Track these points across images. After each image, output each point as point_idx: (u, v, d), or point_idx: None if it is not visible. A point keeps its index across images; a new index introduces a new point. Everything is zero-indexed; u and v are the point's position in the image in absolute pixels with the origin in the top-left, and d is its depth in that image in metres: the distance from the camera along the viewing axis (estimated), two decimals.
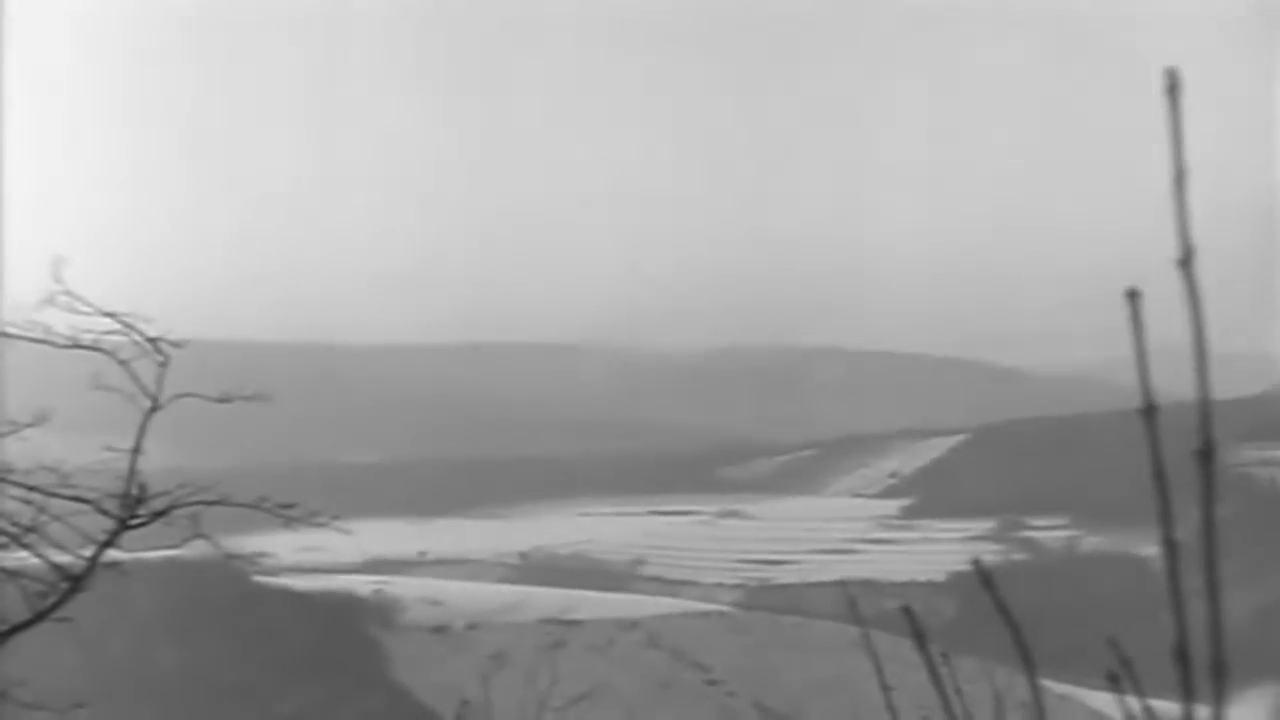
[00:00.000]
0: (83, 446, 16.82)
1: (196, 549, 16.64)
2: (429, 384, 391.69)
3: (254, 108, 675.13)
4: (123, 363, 16.08)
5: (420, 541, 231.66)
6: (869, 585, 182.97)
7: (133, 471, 15.66)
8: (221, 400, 17.30)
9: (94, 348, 16.05)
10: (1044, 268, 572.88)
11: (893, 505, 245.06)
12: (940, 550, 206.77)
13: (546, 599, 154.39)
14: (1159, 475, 3.59)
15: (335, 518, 18.14)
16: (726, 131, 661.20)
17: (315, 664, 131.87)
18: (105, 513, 15.51)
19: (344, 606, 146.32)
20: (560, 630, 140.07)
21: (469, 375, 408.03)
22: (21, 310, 16.14)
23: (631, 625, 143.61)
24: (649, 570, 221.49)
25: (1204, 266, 3.38)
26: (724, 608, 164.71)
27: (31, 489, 15.49)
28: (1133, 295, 3.47)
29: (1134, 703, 4.29)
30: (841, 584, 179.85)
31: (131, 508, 15.58)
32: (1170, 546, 3.58)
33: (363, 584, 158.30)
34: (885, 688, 6.26)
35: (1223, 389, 3.62)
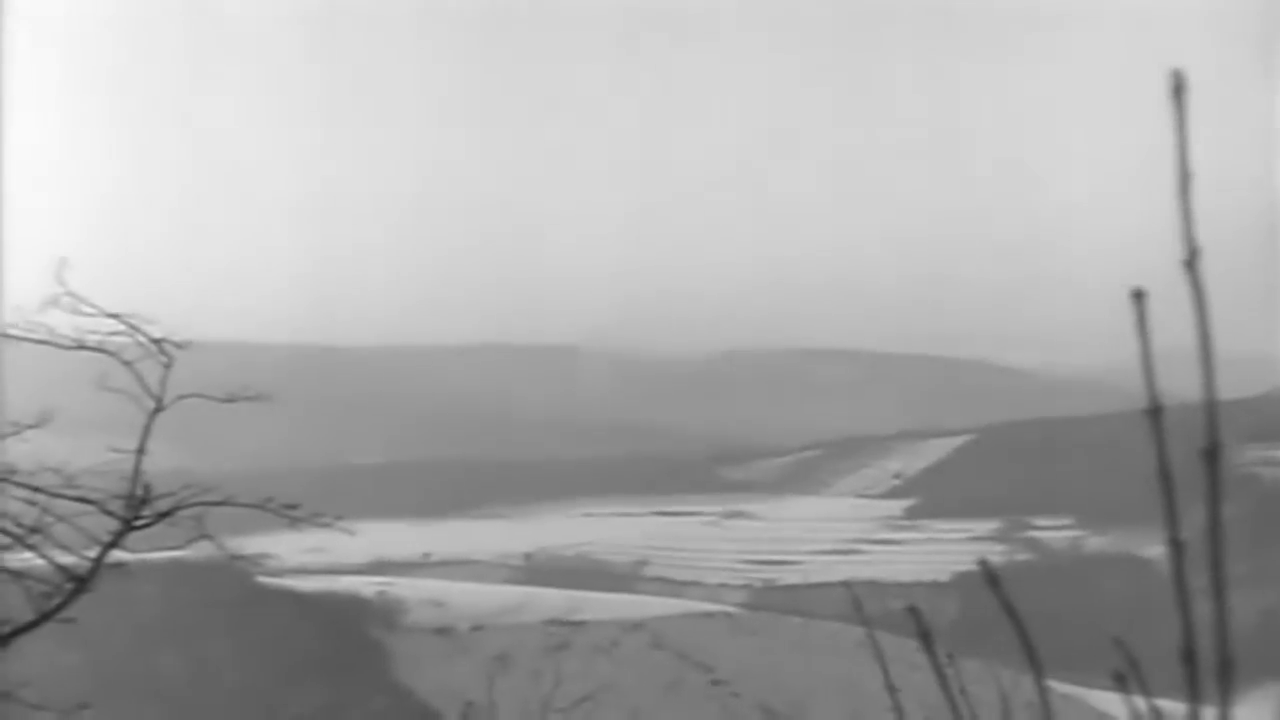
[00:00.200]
0: (87, 448, 16.83)
1: (201, 550, 16.65)
2: (433, 386, 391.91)
3: (258, 109, 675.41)
4: (127, 364, 16.09)
5: (424, 543, 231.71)
6: (873, 586, 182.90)
7: (137, 472, 15.66)
8: (226, 401, 17.31)
9: (98, 349, 16.05)
10: (1049, 268, 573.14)
11: (897, 506, 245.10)
12: (944, 551, 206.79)
13: (550, 600, 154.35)
14: (1164, 476, 3.59)
15: (339, 519, 18.14)
16: (728, 133, 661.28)
17: (319, 665, 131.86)
18: (110, 514, 15.51)
19: (348, 608, 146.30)
20: (564, 631, 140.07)
21: (473, 377, 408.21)
22: (25, 311, 16.15)
23: (636, 626, 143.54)
24: (653, 571, 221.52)
25: (1209, 267, 3.38)
26: (728, 608, 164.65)
27: (36, 490, 15.50)
28: (1138, 296, 3.47)
29: (1140, 703, 4.29)
30: (846, 584, 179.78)
31: (136, 509, 15.58)
32: (1176, 546, 3.58)
33: (366, 585, 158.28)
34: (890, 688, 6.26)
35: (1228, 389, 3.62)
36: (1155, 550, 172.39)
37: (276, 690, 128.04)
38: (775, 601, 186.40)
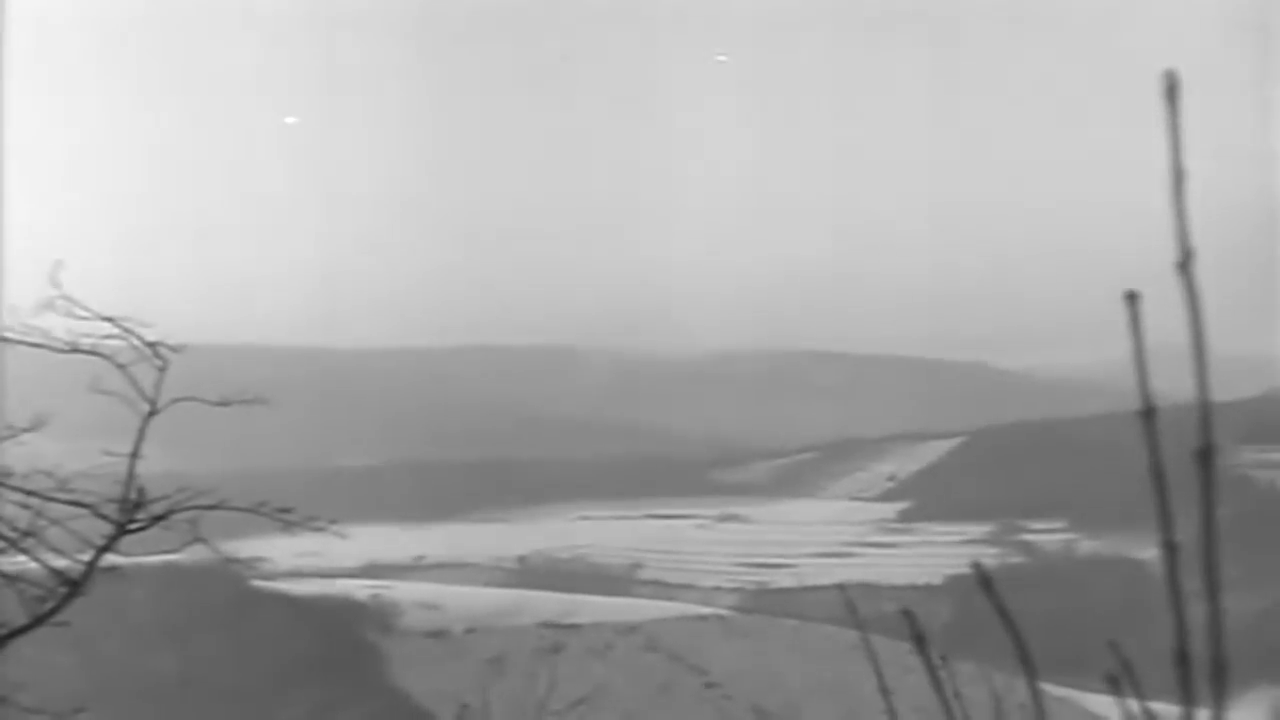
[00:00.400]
0: (81, 451, 16.81)
1: (195, 553, 16.63)
2: (427, 388, 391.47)
3: (255, 110, 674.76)
4: (121, 367, 16.08)
5: (418, 545, 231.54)
6: (867, 588, 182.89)
7: (131, 476, 15.65)
8: (220, 404, 17.32)
9: (92, 352, 16.05)
10: (1042, 270, 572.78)
11: (890, 508, 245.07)
12: (938, 553, 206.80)
13: (545, 603, 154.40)
14: (1158, 477, 3.59)
15: (333, 522, 18.13)
16: (724, 134, 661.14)
17: (313, 669, 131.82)
18: (103, 517, 15.50)
19: (342, 611, 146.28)
20: (558, 634, 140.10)
21: (466, 378, 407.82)
22: (19, 314, 16.14)
23: (630, 629, 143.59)
24: (647, 574, 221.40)
25: (1203, 268, 3.38)
26: (722, 611, 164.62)
27: (29, 493, 15.49)
28: (1131, 297, 3.47)
29: (1133, 705, 4.29)
30: (840, 587, 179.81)
31: (130, 512, 15.57)
32: (1170, 549, 3.58)
33: (361, 588, 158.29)
34: (884, 691, 6.26)
35: (1221, 391, 3.62)
36: (1149, 552, 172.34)
37: (271, 693, 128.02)
38: (769, 604, 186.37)
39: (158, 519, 15.76)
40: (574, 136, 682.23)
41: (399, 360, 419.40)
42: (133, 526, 15.65)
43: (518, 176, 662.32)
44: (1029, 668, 4.23)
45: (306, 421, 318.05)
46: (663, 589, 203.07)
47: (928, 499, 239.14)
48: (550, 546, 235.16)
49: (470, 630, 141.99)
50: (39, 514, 15.46)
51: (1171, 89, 3.34)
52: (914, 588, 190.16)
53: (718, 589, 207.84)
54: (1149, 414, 3.60)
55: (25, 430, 16.18)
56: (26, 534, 15.40)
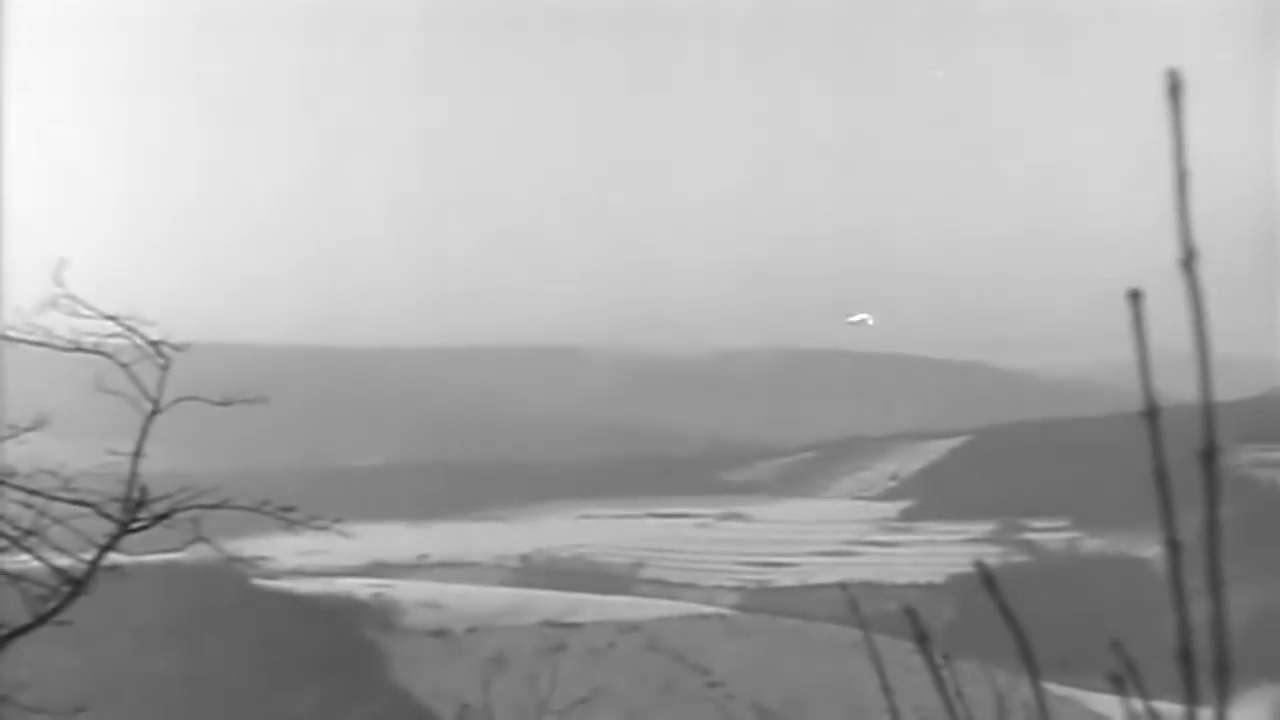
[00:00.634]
0: (84, 450, 16.82)
1: (197, 552, 16.64)
2: (429, 387, 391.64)
3: (255, 110, 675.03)
4: (124, 366, 16.09)
5: (420, 544, 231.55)
6: (869, 587, 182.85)
7: (134, 475, 15.66)
8: (222, 403, 17.33)
9: (95, 351, 16.06)
10: (1045, 269, 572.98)
11: (892, 507, 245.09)
12: (940, 552, 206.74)
13: (547, 602, 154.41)
14: (1161, 477, 3.59)
15: (336, 521, 18.14)
16: (729, 133, 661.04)
17: (315, 667, 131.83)
18: (106, 516, 15.51)
19: (344, 609, 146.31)
20: (560, 633, 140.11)
21: (469, 378, 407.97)
22: (23, 314, 16.15)
23: (632, 628, 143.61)
24: (649, 573, 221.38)
25: (1206, 268, 3.38)
26: (724, 610, 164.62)
27: (33, 492, 15.49)
28: (1134, 297, 3.48)
29: (1137, 704, 4.30)
30: (842, 586, 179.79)
31: (132, 511, 15.58)
32: (1173, 548, 3.58)
33: (363, 587, 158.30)
34: (886, 690, 6.26)
35: (1224, 391, 3.62)
36: (1151, 551, 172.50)
37: (273, 692, 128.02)
38: (771, 603, 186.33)
39: (160, 518, 15.77)
40: (575, 137, 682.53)
41: (402, 360, 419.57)
42: (135, 525, 15.66)
43: (519, 177, 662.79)
44: (1032, 667, 4.23)
45: (309, 421, 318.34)
46: (665, 588, 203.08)
47: (930, 498, 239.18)
48: (552, 545, 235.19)
49: (472, 629, 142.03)
50: (42, 513, 15.47)
51: (1174, 88, 3.34)
52: (916, 586, 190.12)
53: (720, 588, 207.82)
54: (1152, 414, 3.60)
55: (28, 429, 16.19)
56: (30, 533, 15.41)
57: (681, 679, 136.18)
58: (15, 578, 15.47)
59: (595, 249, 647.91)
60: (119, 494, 15.67)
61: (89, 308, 15.99)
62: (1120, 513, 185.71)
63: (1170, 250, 3.40)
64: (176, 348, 16.23)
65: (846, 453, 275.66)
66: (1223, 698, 3.68)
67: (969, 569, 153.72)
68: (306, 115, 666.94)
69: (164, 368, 16.17)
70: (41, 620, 15.36)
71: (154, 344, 16.18)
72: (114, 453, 15.96)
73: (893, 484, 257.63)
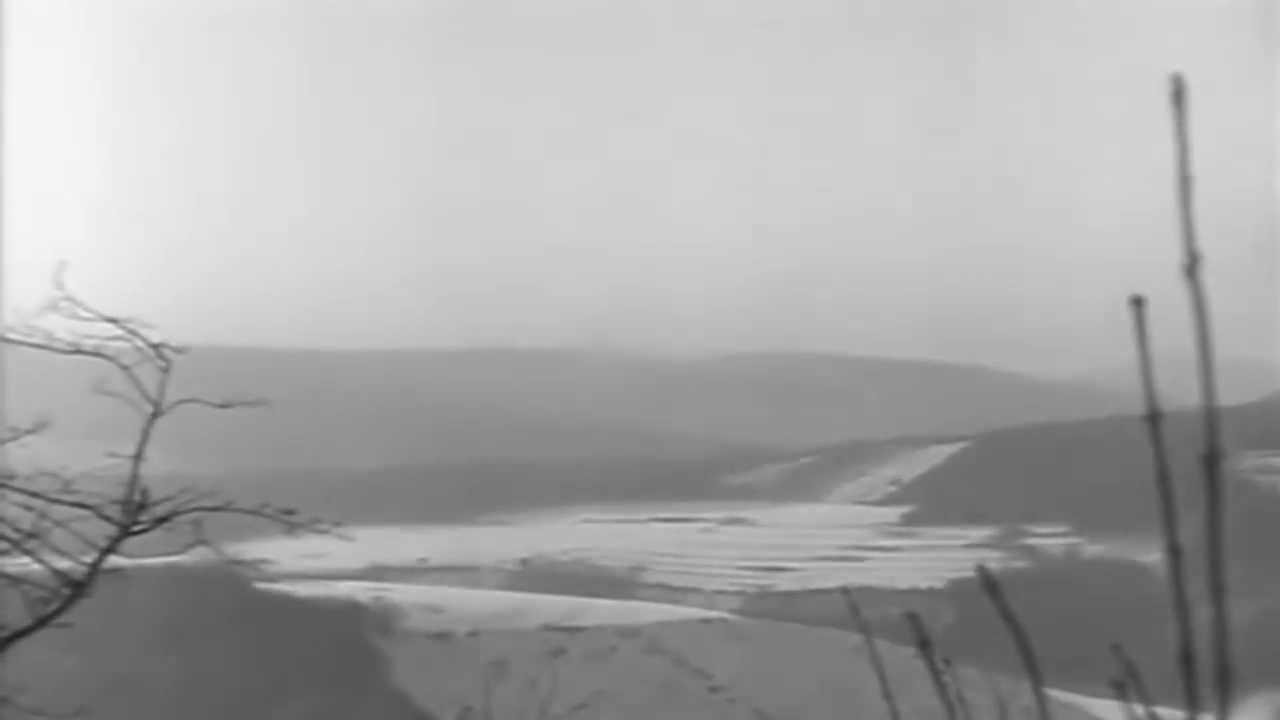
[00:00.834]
0: (84, 452, 16.81)
1: (198, 555, 16.61)
2: (431, 390, 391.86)
3: (255, 114, 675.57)
4: (125, 368, 16.06)
5: (421, 548, 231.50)
6: (870, 592, 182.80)
7: (135, 477, 15.64)
8: (224, 406, 17.30)
9: (96, 354, 16.03)
10: (1047, 274, 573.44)
11: (894, 512, 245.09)
12: (941, 557, 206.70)
13: (548, 606, 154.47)
14: (1163, 482, 3.58)
15: (337, 524, 18.10)
16: (730, 137, 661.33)
17: (316, 671, 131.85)
18: (107, 519, 15.49)
19: (345, 613, 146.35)
20: (561, 637, 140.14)
21: (471, 381, 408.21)
22: (23, 316, 16.13)
23: (633, 632, 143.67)
24: (650, 577, 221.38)
25: (1209, 274, 3.37)
26: (725, 615, 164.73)
27: (33, 495, 15.47)
28: (1137, 302, 3.47)
29: (1138, 710, 4.29)
30: (843, 591, 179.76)
31: (133, 514, 15.55)
32: (1175, 553, 3.57)
33: (364, 591, 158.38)
34: (887, 695, 6.25)
35: (1226, 396, 3.62)
36: (1152, 557, 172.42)
37: (274, 695, 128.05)
38: (772, 608, 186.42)
39: (161, 521, 15.75)
40: (576, 139, 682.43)
41: (403, 363, 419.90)
42: (136, 528, 15.63)
43: (521, 180, 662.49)
44: (1034, 672, 4.22)
45: (310, 423, 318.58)
46: (666, 592, 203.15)
47: (931, 503, 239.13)
48: (554, 549, 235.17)
49: (473, 633, 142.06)
50: (42, 515, 15.45)
51: (1178, 93, 3.33)
52: (917, 591, 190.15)
53: (721, 592, 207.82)
54: (1154, 418, 3.59)
55: (28, 432, 16.17)
56: (30, 535, 15.39)
57: (682, 683, 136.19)
58: (16, 580, 15.45)
59: (597, 253, 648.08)
60: (120, 497, 15.64)
61: (89, 310, 15.96)
62: (1121, 518, 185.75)
63: (1173, 254, 3.39)
64: (178, 350, 16.20)
65: (848, 457, 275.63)
66: (1224, 703, 3.67)
67: (970, 574, 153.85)
68: (308, 120, 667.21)
69: (165, 370, 16.14)
70: (42, 623, 15.34)
71: (155, 347, 16.15)
72: (114, 455, 15.93)
73: (894, 489, 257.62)
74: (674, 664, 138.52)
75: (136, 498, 15.55)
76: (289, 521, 16.71)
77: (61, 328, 15.95)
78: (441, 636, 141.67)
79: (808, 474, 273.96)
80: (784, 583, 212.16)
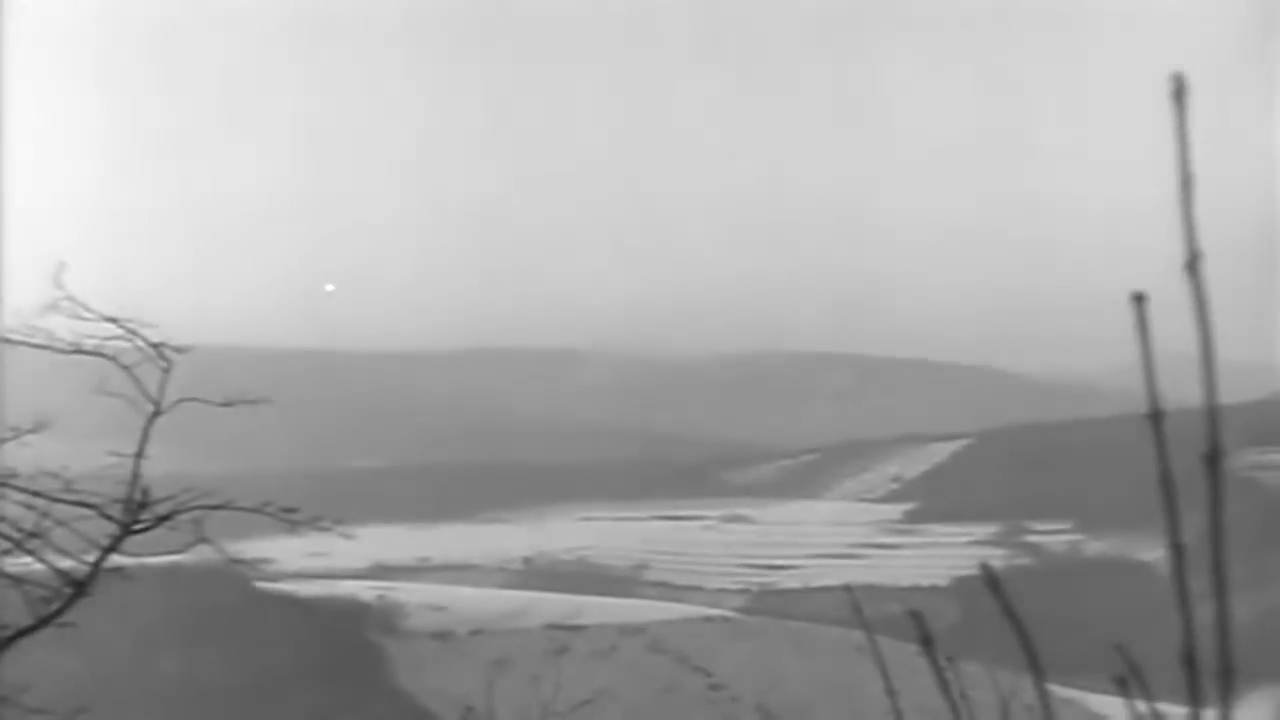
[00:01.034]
0: (86, 452, 16.81)
1: (200, 554, 16.62)
2: (432, 389, 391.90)
3: (255, 112, 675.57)
4: (125, 368, 16.07)
5: (423, 547, 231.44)
6: (872, 590, 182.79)
7: (136, 477, 15.64)
8: (225, 405, 17.31)
9: (97, 353, 16.04)
10: (1048, 272, 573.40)
11: (896, 510, 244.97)
12: (944, 555, 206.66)
13: (550, 604, 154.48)
14: (1166, 480, 3.58)
15: (338, 523, 18.10)
16: (732, 136, 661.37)
17: (318, 670, 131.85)
18: (108, 518, 15.49)
19: (347, 612, 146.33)
20: (564, 636, 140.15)
21: (472, 380, 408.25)
22: (23, 316, 16.13)
23: (635, 630, 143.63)
24: (652, 575, 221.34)
25: (1210, 271, 3.37)
26: (727, 612, 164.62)
27: (34, 494, 15.48)
28: (1138, 299, 3.46)
29: (1141, 707, 4.29)
30: (846, 588, 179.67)
31: (135, 513, 15.56)
32: (1177, 550, 3.57)
33: (366, 589, 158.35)
34: (890, 692, 6.25)
35: (1227, 394, 3.61)
36: (1154, 554, 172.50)
37: (275, 695, 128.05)
38: (774, 606, 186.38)
39: (162, 520, 15.75)
40: (576, 138, 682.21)
41: (404, 362, 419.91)
42: (137, 527, 15.64)
43: (521, 179, 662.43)
44: (1036, 669, 4.22)
45: (311, 422, 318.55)
46: (668, 590, 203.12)
47: (933, 500, 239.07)
48: (555, 548, 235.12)
49: (475, 632, 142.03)
50: (44, 515, 15.45)
51: (1179, 91, 3.33)
52: (919, 589, 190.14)
53: (723, 590, 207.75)
54: (1156, 416, 3.59)
55: (29, 431, 16.17)
56: (32, 535, 15.40)
57: (685, 681, 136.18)
58: (17, 580, 15.46)
59: (598, 251, 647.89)
60: (121, 496, 15.65)
61: (90, 310, 15.98)
62: (1123, 516, 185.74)
63: (1174, 253, 3.38)
64: (178, 349, 16.21)
65: (850, 455, 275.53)
66: (1226, 700, 3.67)
67: (972, 571, 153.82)
68: (309, 120, 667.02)
69: (165, 370, 16.15)
70: (44, 622, 15.34)
71: (155, 346, 16.16)
72: (116, 454, 15.94)
73: (896, 486, 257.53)
74: (676, 662, 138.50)
75: (138, 497, 15.55)
76: (290, 520, 16.71)
77: (62, 327, 15.96)
78: (444, 635, 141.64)
79: (809, 471, 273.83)
80: (786, 580, 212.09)
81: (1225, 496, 3.56)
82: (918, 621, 4.80)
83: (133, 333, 16.07)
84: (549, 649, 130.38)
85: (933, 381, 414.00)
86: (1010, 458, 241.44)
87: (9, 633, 15.42)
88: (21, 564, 15.48)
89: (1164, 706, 4.39)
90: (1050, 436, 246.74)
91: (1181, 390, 3.96)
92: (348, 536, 18.98)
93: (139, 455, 15.83)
